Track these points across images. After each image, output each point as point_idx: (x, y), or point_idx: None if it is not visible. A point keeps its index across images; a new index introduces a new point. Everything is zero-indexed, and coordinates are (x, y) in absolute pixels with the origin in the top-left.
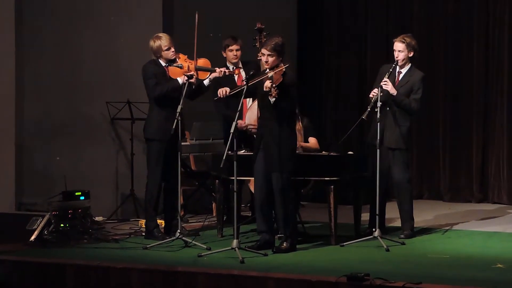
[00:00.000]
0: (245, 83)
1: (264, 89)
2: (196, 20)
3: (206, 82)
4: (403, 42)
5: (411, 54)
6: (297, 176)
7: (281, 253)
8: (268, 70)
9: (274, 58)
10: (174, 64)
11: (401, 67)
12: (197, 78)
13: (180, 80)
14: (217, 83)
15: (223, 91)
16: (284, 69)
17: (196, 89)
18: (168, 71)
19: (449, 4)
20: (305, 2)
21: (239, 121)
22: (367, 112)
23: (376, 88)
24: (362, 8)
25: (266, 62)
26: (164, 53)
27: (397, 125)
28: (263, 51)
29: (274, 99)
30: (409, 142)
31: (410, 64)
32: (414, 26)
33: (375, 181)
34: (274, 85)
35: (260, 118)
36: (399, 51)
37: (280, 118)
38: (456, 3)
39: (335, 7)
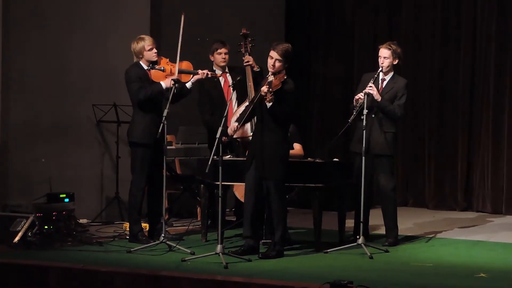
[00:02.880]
0: (232, 88)
1: (261, 93)
2: (182, 21)
3: (188, 84)
4: (389, 49)
5: (395, 62)
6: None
7: (267, 259)
8: (270, 74)
9: (281, 64)
10: (156, 67)
11: (385, 74)
12: (180, 82)
13: (163, 84)
14: (202, 89)
15: (233, 127)
16: (285, 77)
17: (178, 92)
18: (151, 74)
19: (436, 15)
20: (293, 8)
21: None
22: (353, 116)
23: (361, 92)
24: (350, 15)
25: (273, 65)
26: (147, 54)
27: (383, 131)
28: (273, 54)
29: (270, 103)
30: (395, 148)
31: (393, 71)
32: (401, 33)
33: (359, 188)
34: (271, 90)
35: (256, 124)
36: (384, 57)
37: (275, 125)
38: (443, 14)
39: (323, 13)
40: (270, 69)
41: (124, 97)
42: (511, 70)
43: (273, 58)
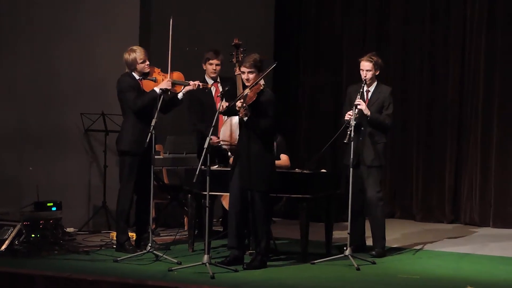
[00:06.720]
0: (220, 98)
1: (236, 108)
2: (171, 25)
3: (179, 95)
4: (371, 61)
5: (377, 73)
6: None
7: (251, 269)
8: (248, 87)
9: (254, 74)
10: (148, 78)
11: (369, 85)
12: (171, 92)
13: (157, 89)
14: (193, 96)
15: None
16: (262, 87)
17: (169, 103)
18: (142, 84)
19: (425, 24)
20: (282, 19)
21: (212, 137)
22: (348, 136)
23: (350, 110)
24: (339, 26)
25: (247, 79)
26: (139, 66)
27: (373, 143)
28: (243, 69)
29: (246, 117)
30: (384, 158)
31: (376, 81)
32: (390, 44)
33: (351, 200)
34: (244, 105)
35: (239, 135)
36: (367, 70)
37: (256, 136)
38: (432, 23)
39: (312, 24)
40: (246, 83)
41: (112, 106)
42: (500, 83)
43: (245, 72)
